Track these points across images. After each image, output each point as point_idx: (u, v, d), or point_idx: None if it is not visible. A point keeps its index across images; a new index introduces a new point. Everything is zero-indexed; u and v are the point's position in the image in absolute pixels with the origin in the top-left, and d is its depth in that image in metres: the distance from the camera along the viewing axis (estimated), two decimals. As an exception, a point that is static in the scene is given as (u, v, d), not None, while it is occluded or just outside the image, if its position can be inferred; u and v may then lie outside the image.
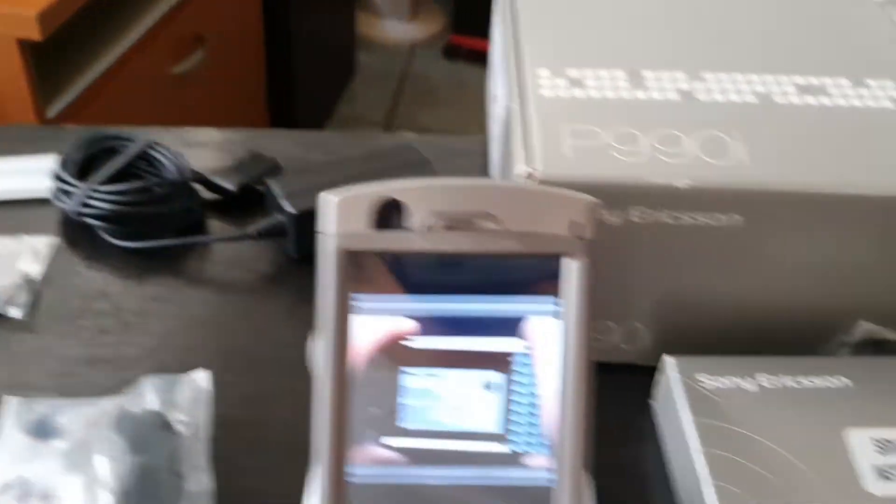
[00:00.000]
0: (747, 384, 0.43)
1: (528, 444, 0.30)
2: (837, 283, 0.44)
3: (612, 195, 0.40)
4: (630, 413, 0.46)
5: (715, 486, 0.38)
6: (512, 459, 0.30)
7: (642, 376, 0.47)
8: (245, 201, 0.56)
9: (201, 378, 0.43)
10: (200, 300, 0.51)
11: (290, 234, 0.51)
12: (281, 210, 0.51)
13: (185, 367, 0.44)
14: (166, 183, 0.53)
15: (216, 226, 0.56)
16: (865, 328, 0.45)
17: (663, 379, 0.45)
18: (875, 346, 0.46)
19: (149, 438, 0.39)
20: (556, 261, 0.31)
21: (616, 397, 0.46)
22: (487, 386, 0.30)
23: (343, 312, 0.30)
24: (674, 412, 0.43)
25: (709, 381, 0.43)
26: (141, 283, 0.52)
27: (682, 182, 0.41)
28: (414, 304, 0.30)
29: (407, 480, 0.30)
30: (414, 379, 0.30)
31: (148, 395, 0.42)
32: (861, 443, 0.40)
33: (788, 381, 0.43)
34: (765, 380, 0.43)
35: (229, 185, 0.56)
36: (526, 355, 0.31)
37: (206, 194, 0.57)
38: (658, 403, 0.46)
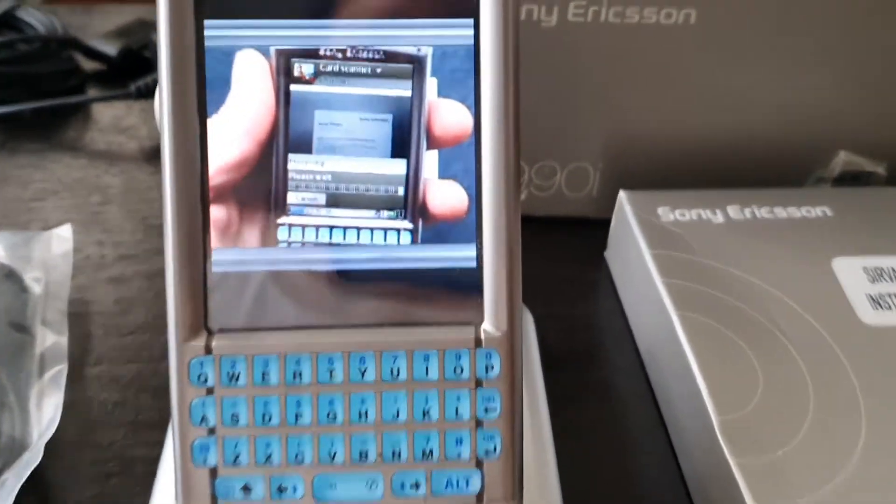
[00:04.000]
0: (713, 216, 0.36)
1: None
2: (813, 113, 0.38)
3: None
4: (582, 268, 0.39)
5: (679, 316, 0.32)
6: (419, 237, 0.23)
7: (593, 230, 0.40)
8: (131, 71, 0.49)
9: (63, 233, 0.36)
10: (77, 166, 0.43)
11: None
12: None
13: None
14: (35, 39, 0.46)
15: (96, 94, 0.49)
16: (844, 159, 0.39)
17: (617, 218, 0.38)
18: (853, 180, 0.40)
19: (-17, 288, 0.32)
20: None
21: (565, 253, 0.40)
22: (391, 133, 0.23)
23: (186, 42, 0.22)
24: (629, 251, 0.36)
25: (669, 215, 0.36)
26: (6, 151, 0.44)
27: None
28: (286, 33, 0.23)
29: (284, 266, 0.23)
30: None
31: (-6, 249, 0.35)
32: (851, 272, 0.34)
33: (762, 213, 0.37)
34: (734, 211, 0.37)
35: (108, 50, 0.49)
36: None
37: (87, 65, 0.50)
38: (611, 252, 0.39)
